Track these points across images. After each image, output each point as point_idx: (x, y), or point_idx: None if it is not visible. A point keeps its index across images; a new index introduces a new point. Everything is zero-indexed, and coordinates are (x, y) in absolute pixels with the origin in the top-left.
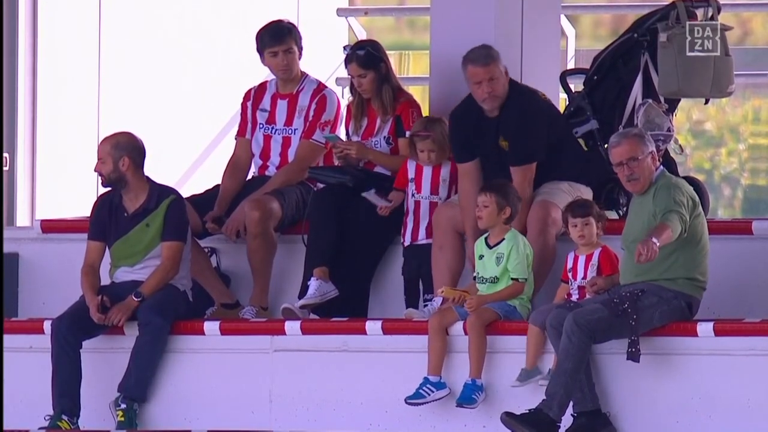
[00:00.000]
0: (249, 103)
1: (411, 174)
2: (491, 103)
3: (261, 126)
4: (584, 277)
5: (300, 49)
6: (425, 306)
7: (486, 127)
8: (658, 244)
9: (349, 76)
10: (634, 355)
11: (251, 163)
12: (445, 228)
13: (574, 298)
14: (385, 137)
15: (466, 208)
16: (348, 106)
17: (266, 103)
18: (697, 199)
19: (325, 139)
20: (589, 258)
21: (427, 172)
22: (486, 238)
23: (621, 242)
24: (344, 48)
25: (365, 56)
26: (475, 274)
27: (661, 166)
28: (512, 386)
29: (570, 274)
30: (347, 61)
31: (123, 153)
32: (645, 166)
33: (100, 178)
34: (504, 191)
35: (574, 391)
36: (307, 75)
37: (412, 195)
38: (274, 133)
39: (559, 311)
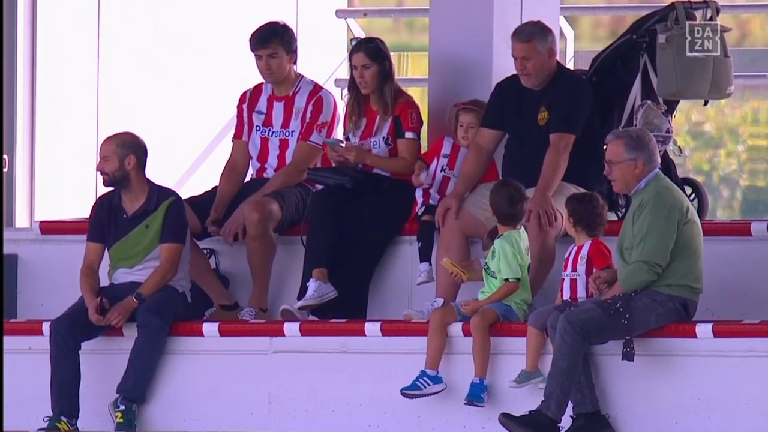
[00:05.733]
0: (244, 106)
1: (446, 150)
2: (524, 79)
3: (258, 128)
4: (573, 270)
5: (289, 52)
6: (431, 304)
7: (527, 98)
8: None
9: (353, 67)
10: (628, 355)
11: (248, 166)
12: (453, 230)
13: (566, 288)
14: (384, 138)
15: (463, 179)
16: (345, 105)
17: (262, 105)
18: (685, 207)
19: (323, 142)
20: (579, 250)
21: (463, 152)
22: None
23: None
24: (352, 40)
25: (374, 48)
26: (485, 262)
27: (656, 170)
28: (510, 386)
29: (563, 265)
30: (354, 51)
31: (129, 151)
32: (622, 171)
33: (102, 177)
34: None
35: (571, 390)
36: (303, 76)
37: (441, 169)
38: (271, 135)
39: (558, 312)
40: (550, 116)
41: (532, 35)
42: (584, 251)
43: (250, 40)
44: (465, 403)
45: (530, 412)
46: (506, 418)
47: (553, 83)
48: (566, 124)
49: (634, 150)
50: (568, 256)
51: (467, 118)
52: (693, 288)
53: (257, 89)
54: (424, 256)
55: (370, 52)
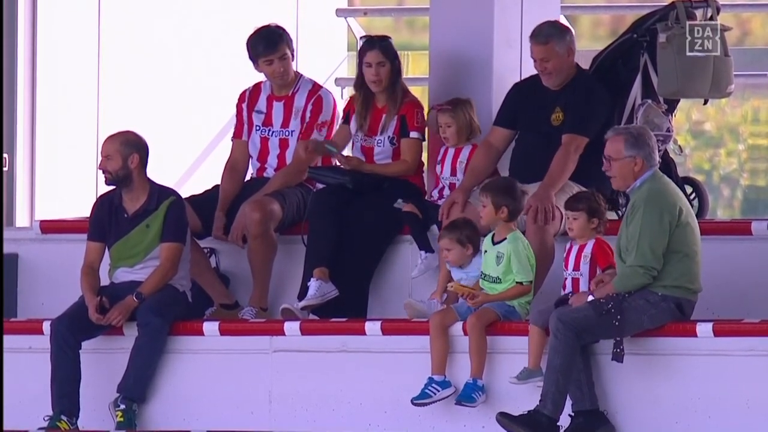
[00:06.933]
0: (244, 105)
1: (440, 156)
2: (545, 78)
3: (257, 128)
4: (575, 269)
5: (292, 51)
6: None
7: (543, 98)
8: (591, 299)
9: (365, 65)
10: (618, 356)
11: (249, 165)
12: None
13: (569, 288)
14: (389, 137)
15: (470, 174)
16: (350, 102)
17: (262, 104)
18: (678, 208)
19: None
20: (581, 249)
21: (450, 152)
22: (492, 235)
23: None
24: (362, 38)
25: (388, 46)
26: (481, 269)
27: (652, 169)
28: (510, 382)
29: (563, 264)
30: (367, 49)
31: (132, 150)
32: (621, 168)
33: (104, 176)
34: (502, 190)
35: (568, 388)
36: (302, 75)
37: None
38: (271, 135)
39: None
40: (564, 117)
41: (550, 36)
42: (587, 250)
43: (254, 46)
44: (455, 404)
45: (528, 411)
46: (504, 418)
47: (571, 85)
48: (580, 126)
49: (633, 147)
50: (568, 256)
51: (443, 117)
52: (689, 289)
53: (256, 88)
54: (422, 245)
55: (384, 50)
